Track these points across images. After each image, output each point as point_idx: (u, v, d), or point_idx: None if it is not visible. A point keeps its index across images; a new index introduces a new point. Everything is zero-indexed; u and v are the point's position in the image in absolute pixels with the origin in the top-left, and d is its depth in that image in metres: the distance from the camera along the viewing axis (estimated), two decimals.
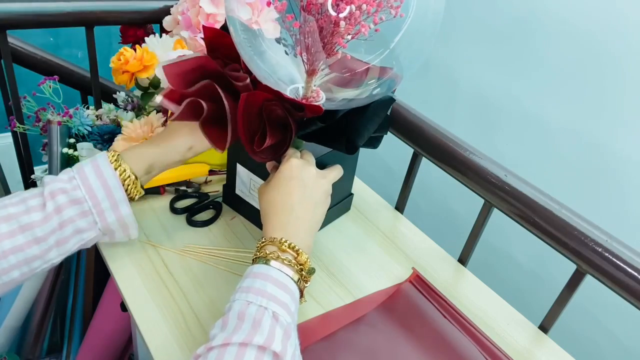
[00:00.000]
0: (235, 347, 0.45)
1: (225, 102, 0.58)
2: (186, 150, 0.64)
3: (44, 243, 0.55)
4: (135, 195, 0.62)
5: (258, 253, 0.56)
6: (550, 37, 1.19)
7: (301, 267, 0.55)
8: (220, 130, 0.61)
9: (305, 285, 0.57)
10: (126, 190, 0.60)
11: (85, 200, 0.57)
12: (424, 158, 0.83)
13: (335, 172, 0.67)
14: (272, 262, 0.54)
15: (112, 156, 0.60)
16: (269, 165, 0.67)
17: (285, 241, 0.55)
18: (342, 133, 0.65)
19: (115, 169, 0.59)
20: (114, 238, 0.63)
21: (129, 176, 0.60)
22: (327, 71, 0.62)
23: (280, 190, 0.59)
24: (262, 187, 0.63)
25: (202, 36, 0.78)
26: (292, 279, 0.54)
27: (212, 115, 0.60)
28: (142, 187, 0.63)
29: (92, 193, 0.57)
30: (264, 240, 0.57)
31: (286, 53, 0.63)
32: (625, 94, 1.09)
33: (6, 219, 0.53)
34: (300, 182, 0.60)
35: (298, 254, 0.55)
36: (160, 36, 0.95)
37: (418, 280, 0.73)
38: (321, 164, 0.71)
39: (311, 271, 0.57)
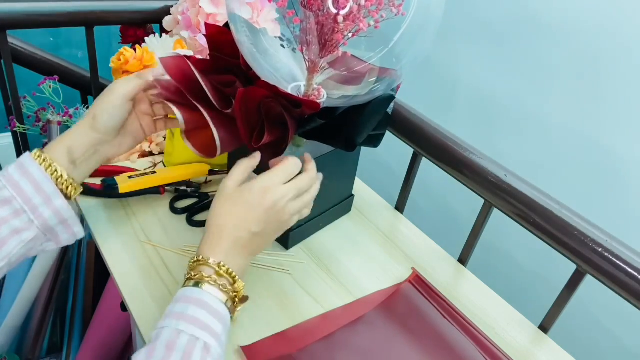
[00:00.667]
0: None
1: (205, 113, 0.57)
2: (92, 121, 0.58)
3: None
4: (70, 190, 0.58)
5: (192, 273, 0.52)
6: (551, 37, 1.19)
7: (235, 294, 0.53)
8: (210, 137, 0.59)
9: (235, 312, 0.54)
10: (58, 187, 0.57)
11: (14, 199, 0.53)
12: (424, 158, 0.83)
13: (280, 173, 0.57)
14: (207, 287, 0.51)
15: (35, 153, 0.57)
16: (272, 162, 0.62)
17: (224, 266, 0.52)
18: (341, 130, 0.65)
19: (40, 164, 0.56)
20: (60, 240, 0.59)
21: (55, 170, 0.56)
22: (328, 69, 0.62)
23: (235, 209, 0.54)
24: (221, 193, 0.57)
25: (205, 33, 0.78)
26: (225, 305, 0.51)
27: (196, 124, 0.59)
28: (79, 183, 0.60)
29: (20, 190, 0.54)
30: (200, 258, 0.53)
31: (282, 47, 0.63)
32: (626, 94, 1.09)
33: None
34: (264, 206, 0.54)
35: (235, 281, 0.53)
36: (160, 36, 0.95)
37: (418, 281, 0.73)
38: (322, 164, 0.71)
39: (244, 299, 0.55)
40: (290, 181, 0.57)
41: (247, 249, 0.55)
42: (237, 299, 0.53)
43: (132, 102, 0.61)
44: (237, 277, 0.53)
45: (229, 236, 0.54)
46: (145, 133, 0.64)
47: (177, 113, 0.58)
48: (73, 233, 0.60)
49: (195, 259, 0.53)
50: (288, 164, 0.57)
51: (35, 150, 0.57)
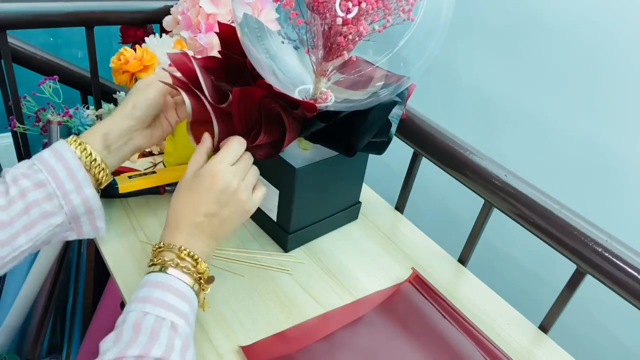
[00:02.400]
0: None
1: (207, 103, 0.58)
2: (131, 109, 0.62)
3: (10, 227, 0.53)
4: (102, 176, 0.60)
5: (155, 259, 0.54)
6: (551, 37, 1.19)
7: (200, 275, 0.54)
8: (212, 133, 0.60)
9: (204, 292, 0.55)
10: (90, 172, 0.59)
11: (48, 182, 0.55)
12: (424, 158, 0.83)
13: (226, 154, 0.57)
14: (170, 270, 0.52)
15: (71, 138, 0.59)
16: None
17: (185, 249, 0.54)
18: (342, 135, 0.65)
19: (75, 148, 0.58)
20: (82, 232, 0.61)
21: (90, 153, 0.59)
22: (336, 72, 0.62)
23: (190, 196, 0.56)
24: (180, 183, 0.58)
25: (205, 35, 0.79)
26: (191, 287, 0.52)
27: (201, 115, 0.60)
28: (110, 170, 0.62)
29: (55, 175, 0.56)
30: (161, 245, 0.55)
31: (282, 42, 0.63)
32: (626, 94, 1.09)
33: None
34: (215, 190, 0.55)
35: (197, 262, 0.54)
36: (160, 36, 0.95)
37: (418, 281, 0.73)
38: (328, 167, 0.71)
39: (210, 280, 0.56)
40: (238, 160, 0.58)
41: (206, 232, 0.56)
42: (202, 280, 0.54)
43: (165, 97, 0.65)
44: (199, 259, 0.54)
45: (186, 222, 0.55)
46: (171, 127, 0.68)
47: (186, 99, 0.59)
48: (96, 227, 0.62)
49: (157, 247, 0.55)
50: (232, 144, 0.58)
51: (71, 136, 0.59)
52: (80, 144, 0.59)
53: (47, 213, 0.56)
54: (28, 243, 0.55)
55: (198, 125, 0.61)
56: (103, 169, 0.60)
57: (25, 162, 0.57)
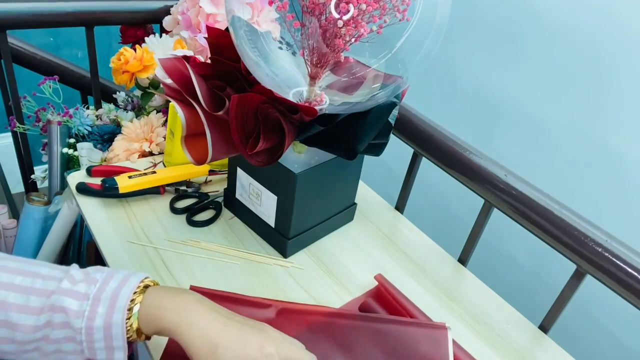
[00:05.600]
0: None
1: (201, 113, 0.57)
2: None
3: (20, 345, 0.49)
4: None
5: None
6: (551, 37, 1.19)
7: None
8: (206, 146, 0.59)
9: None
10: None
11: (80, 333, 0.49)
12: (424, 158, 0.83)
13: None
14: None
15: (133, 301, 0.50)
16: None
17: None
18: (342, 138, 0.65)
19: (127, 318, 0.49)
20: None
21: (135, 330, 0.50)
22: (331, 75, 0.62)
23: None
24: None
25: (205, 36, 0.78)
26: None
27: (196, 128, 0.59)
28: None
29: (91, 334, 0.49)
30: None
31: (280, 48, 0.62)
32: (626, 93, 1.09)
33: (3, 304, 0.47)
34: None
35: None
36: (160, 36, 0.95)
37: (379, 291, 0.71)
38: (324, 171, 0.71)
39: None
40: None
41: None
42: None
43: None
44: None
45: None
46: None
47: (179, 111, 0.58)
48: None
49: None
50: None
51: (139, 291, 0.51)
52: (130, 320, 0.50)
53: (64, 351, 0.50)
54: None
55: (192, 138, 0.60)
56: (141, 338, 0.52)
57: (85, 286, 0.49)
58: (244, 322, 0.51)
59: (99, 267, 0.52)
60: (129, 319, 0.49)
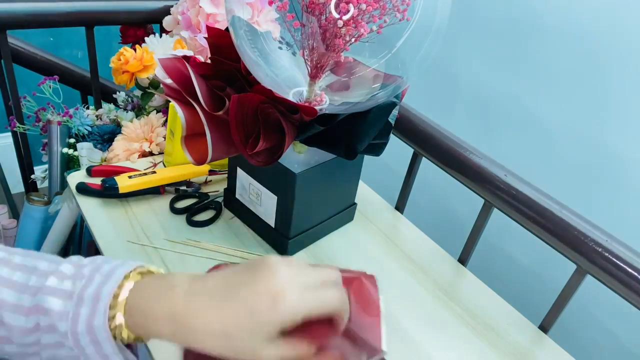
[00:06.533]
0: None
1: (201, 113, 0.57)
2: None
3: (20, 347, 0.44)
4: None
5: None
6: (551, 37, 1.19)
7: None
8: (206, 146, 0.58)
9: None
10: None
11: (67, 338, 0.42)
12: (424, 158, 0.83)
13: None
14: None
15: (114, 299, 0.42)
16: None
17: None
18: (342, 138, 0.65)
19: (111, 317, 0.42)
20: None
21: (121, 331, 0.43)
22: (331, 75, 0.62)
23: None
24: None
25: (205, 36, 0.78)
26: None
27: (196, 129, 0.59)
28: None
29: (77, 339, 0.43)
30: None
31: (280, 48, 0.62)
32: (626, 93, 1.09)
33: None
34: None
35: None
36: (160, 36, 0.95)
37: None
38: (323, 171, 0.71)
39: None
40: None
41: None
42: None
43: None
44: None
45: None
46: None
47: (179, 111, 0.58)
48: None
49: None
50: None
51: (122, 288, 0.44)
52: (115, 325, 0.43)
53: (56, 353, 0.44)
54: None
55: (192, 138, 0.60)
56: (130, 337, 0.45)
57: (69, 284, 0.44)
58: (239, 284, 0.41)
59: (95, 257, 0.47)
60: (113, 324, 0.42)
